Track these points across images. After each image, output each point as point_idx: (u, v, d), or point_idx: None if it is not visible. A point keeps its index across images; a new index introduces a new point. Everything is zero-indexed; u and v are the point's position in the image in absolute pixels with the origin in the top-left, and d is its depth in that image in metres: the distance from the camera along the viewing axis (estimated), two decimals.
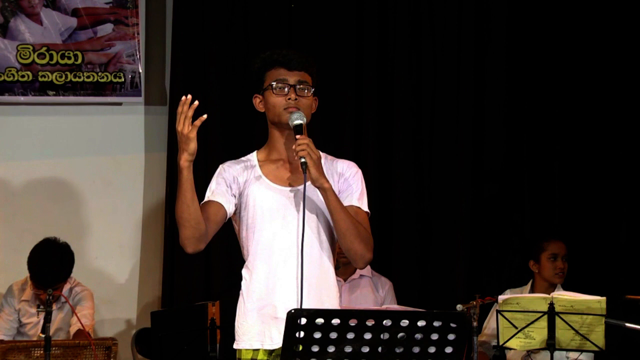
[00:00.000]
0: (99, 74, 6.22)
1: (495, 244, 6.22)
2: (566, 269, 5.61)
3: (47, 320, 4.50)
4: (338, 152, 3.76)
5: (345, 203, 3.50)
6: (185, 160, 3.60)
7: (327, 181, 3.41)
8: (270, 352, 3.42)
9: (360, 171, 3.62)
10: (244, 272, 3.55)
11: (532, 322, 4.74)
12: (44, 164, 6.28)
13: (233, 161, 3.64)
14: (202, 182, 6.56)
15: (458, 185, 6.20)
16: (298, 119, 3.45)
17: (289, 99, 3.49)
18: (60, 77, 6.20)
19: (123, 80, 6.22)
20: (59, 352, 4.78)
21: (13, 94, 6.16)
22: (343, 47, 6.23)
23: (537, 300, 4.76)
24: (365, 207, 3.56)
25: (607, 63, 6.21)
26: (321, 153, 3.58)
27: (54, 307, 5.03)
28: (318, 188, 3.41)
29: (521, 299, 4.81)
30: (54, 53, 6.19)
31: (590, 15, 6.21)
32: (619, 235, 6.21)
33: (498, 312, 4.80)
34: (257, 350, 3.44)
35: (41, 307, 4.64)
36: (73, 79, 6.20)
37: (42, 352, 4.54)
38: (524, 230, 6.19)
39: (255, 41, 6.20)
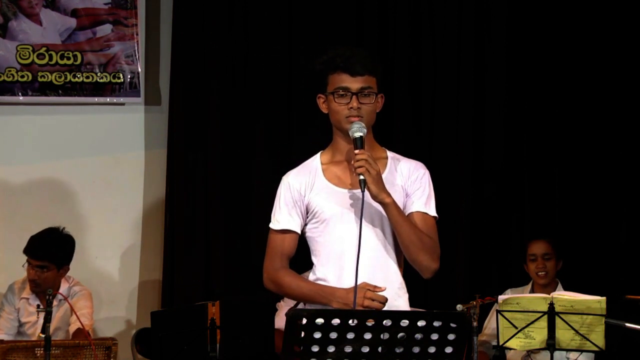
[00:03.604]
0: (98, 74, 6.21)
1: (495, 244, 6.22)
2: (550, 268, 5.60)
3: (47, 320, 4.49)
4: None
5: (412, 208, 3.49)
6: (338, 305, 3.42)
7: (388, 195, 3.39)
8: None
9: (427, 173, 3.60)
10: (311, 275, 3.54)
11: (532, 322, 4.73)
12: (43, 164, 6.27)
13: (295, 171, 3.61)
14: (201, 182, 6.56)
15: (458, 185, 6.20)
16: (358, 131, 3.42)
17: (351, 108, 3.45)
18: (60, 77, 6.19)
19: (122, 80, 6.22)
20: (58, 352, 4.78)
21: (13, 94, 6.16)
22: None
23: (537, 300, 4.76)
24: (432, 212, 3.54)
25: (607, 62, 6.21)
26: (388, 153, 3.57)
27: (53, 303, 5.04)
28: (379, 203, 3.40)
29: (521, 299, 4.81)
30: (54, 53, 6.19)
31: (590, 15, 6.21)
32: (619, 235, 6.21)
33: (498, 312, 4.80)
34: None
35: (41, 307, 4.64)
36: (72, 80, 6.20)
37: (42, 351, 4.53)
38: (524, 230, 6.19)
39: (255, 41, 6.20)
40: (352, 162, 3.40)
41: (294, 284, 3.50)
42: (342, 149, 3.54)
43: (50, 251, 5.42)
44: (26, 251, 5.44)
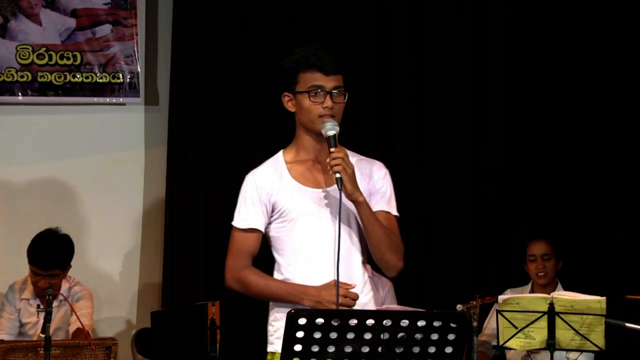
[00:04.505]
0: (98, 74, 6.21)
1: (495, 244, 6.22)
2: (550, 268, 5.60)
3: (47, 320, 4.49)
4: None
5: (376, 208, 3.49)
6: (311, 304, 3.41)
7: (362, 194, 3.39)
8: None
9: (388, 172, 3.59)
10: (275, 274, 3.51)
11: (532, 322, 4.73)
12: (43, 164, 6.27)
13: (261, 169, 3.56)
14: (201, 182, 6.55)
15: (458, 185, 6.20)
16: (332, 129, 3.40)
17: (325, 107, 3.43)
18: (59, 77, 6.19)
19: (122, 80, 6.22)
20: (58, 352, 4.78)
21: (12, 94, 6.16)
22: (343, 48, 6.21)
23: (537, 300, 4.76)
24: (394, 211, 3.55)
25: (607, 62, 6.21)
26: (348, 152, 3.57)
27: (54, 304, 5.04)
28: (352, 201, 3.39)
29: (521, 299, 4.81)
30: (53, 53, 6.19)
31: (590, 15, 6.21)
32: (619, 235, 6.21)
33: (498, 312, 4.80)
34: None
35: (41, 307, 4.64)
36: (72, 80, 6.20)
37: (42, 351, 4.53)
38: (524, 230, 6.19)
39: (255, 41, 6.20)
40: (328, 160, 3.38)
41: (262, 282, 3.46)
42: (307, 147, 3.51)
43: (57, 259, 5.39)
44: (32, 263, 5.39)
